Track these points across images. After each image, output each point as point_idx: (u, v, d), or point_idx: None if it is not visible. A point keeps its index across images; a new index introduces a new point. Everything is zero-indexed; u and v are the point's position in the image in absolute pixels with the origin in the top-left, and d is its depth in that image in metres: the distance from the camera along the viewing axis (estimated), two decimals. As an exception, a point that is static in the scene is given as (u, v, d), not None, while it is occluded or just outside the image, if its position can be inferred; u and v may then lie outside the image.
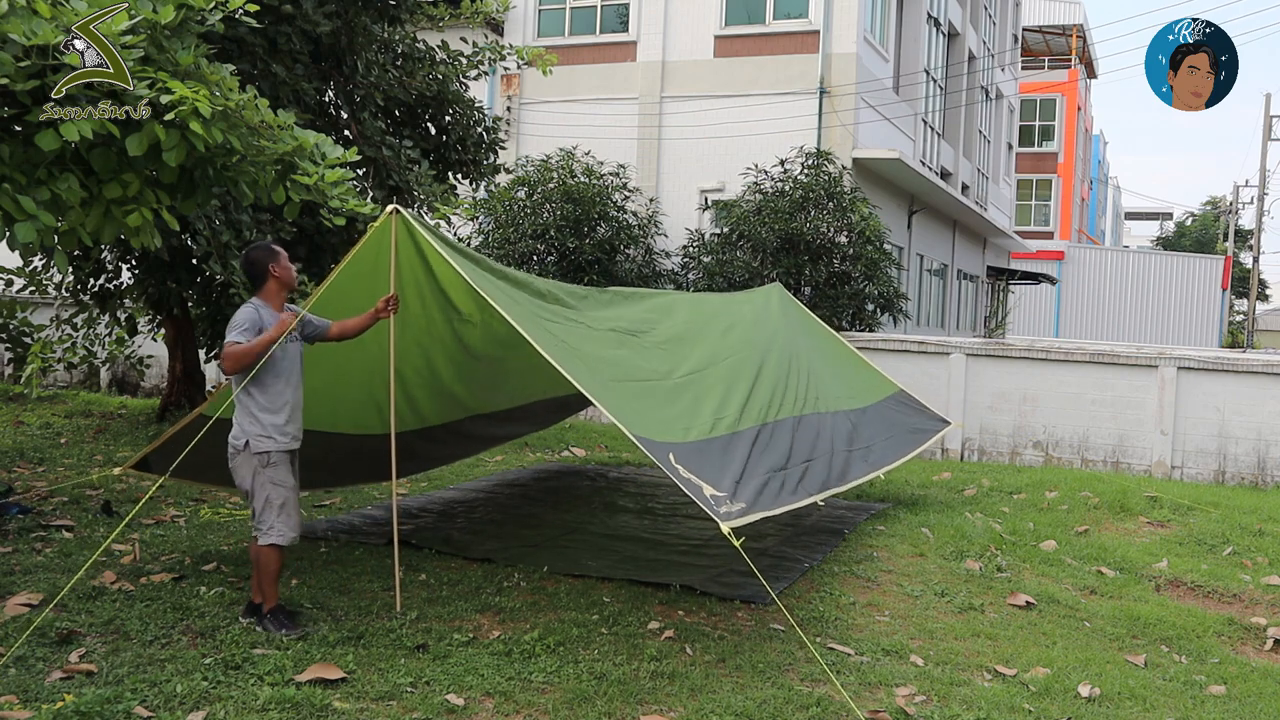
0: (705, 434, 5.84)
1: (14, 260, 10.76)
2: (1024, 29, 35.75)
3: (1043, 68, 40.30)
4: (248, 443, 5.07)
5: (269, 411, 5.10)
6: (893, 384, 9.39)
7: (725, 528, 4.73)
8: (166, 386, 12.08)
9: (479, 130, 10.98)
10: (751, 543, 6.96)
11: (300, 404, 5.28)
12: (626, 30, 18.20)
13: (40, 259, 10.07)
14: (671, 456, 5.23)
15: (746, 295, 8.87)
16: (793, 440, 6.48)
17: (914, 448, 8.61)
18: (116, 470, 6.21)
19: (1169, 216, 71.69)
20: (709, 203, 17.26)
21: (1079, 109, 41.75)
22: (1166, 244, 60.26)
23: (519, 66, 11.37)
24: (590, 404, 9.65)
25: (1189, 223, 62.94)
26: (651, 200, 17.36)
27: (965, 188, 24.28)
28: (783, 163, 15.62)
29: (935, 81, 21.86)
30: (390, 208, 5.52)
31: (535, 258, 15.72)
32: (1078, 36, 40.32)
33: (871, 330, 15.03)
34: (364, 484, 8.55)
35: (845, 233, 14.88)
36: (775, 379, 7.19)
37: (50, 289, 10.80)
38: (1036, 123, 40.05)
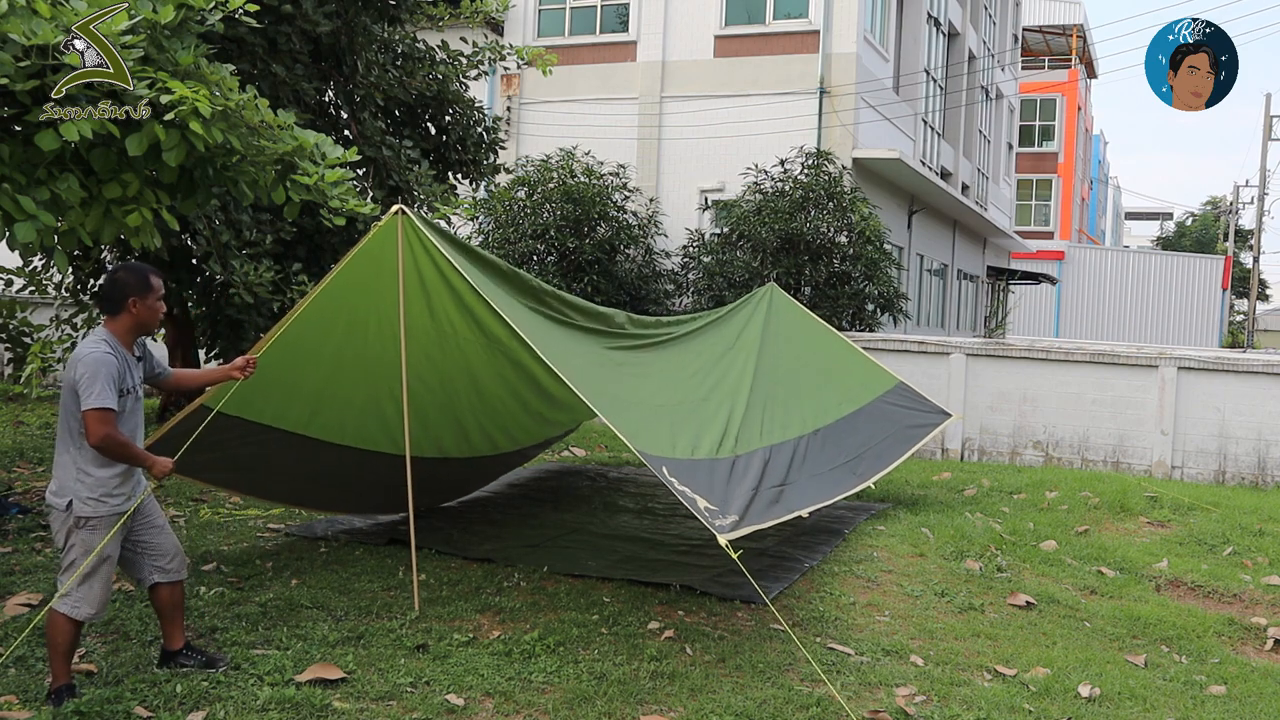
0: (687, 456, 5.88)
1: (14, 260, 10.75)
2: (1024, 29, 35.75)
3: (1043, 68, 40.31)
4: (70, 504, 4.24)
5: (102, 466, 4.26)
6: (892, 377, 9.31)
7: (723, 540, 4.75)
8: (166, 386, 12.05)
9: (479, 130, 10.97)
10: (751, 543, 6.94)
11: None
12: (626, 30, 18.19)
13: (40, 259, 10.05)
14: (665, 469, 5.27)
15: (735, 307, 8.70)
16: (767, 468, 6.43)
17: (911, 445, 8.59)
18: None
19: (1169, 216, 71.71)
20: (709, 203, 17.26)
21: (1079, 109, 41.75)
22: (1166, 244, 60.24)
23: (519, 66, 11.35)
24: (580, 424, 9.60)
25: (1189, 223, 62.91)
26: (651, 200, 17.36)
27: (965, 188, 24.28)
28: (783, 163, 15.62)
29: (935, 81, 21.86)
30: (395, 208, 5.47)
31: (535, 258, 15.72)
32: (1078, 36, 40.33)
33: (871, 330, 15.03)
34: (380, 515, 7.78)
35: (845, 233, 14.89)
36: (749, 411, 7.08)
37: (50, 289, 10.78)
38: (1036, 123, 40.06)
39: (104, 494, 4.28)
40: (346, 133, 9.50)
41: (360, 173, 9.14)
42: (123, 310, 4.34)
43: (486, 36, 12.73)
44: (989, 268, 28.65)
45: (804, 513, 6.52)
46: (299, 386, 6.19)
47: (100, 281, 4.47)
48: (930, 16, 20.83)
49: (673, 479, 5.19)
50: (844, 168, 15.56)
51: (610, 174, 16.51)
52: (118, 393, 4.23)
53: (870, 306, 15.11)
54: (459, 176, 11.17)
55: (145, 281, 4.37)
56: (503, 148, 11.70)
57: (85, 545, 4.28)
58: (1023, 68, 35.26)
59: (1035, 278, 30.82)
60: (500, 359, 6.87)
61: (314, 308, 5.60)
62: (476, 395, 7.29)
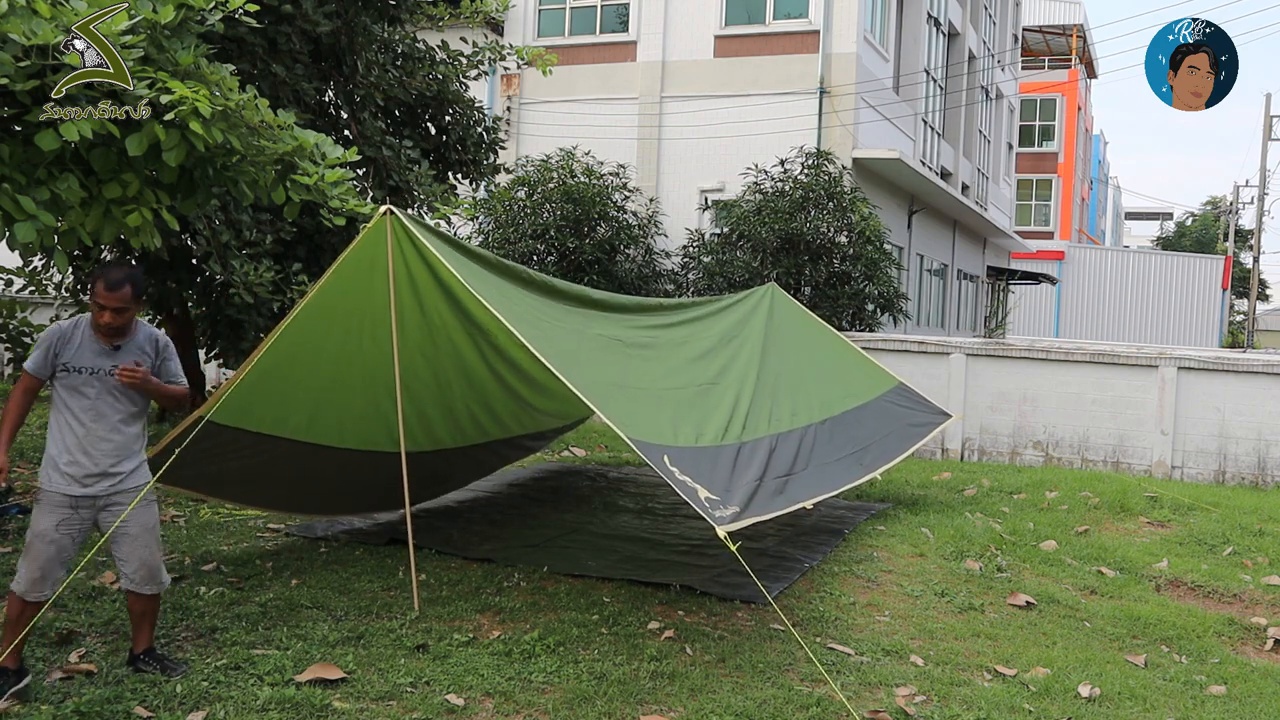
0: (691, 444, 5.83)
1: (14, 260, 10.75)
2: (1024, 29, 35.76)
3: (1043, 68, 40.31)
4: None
5: (52, 442, 4.38)
6: (892, 378, 9.34)
7: (721, 532, 4.72)
8: (166, 386, 12.04)
9: (479, 130, 10.97)
10: (751, 543, 6.95)
11: (104, 449, 4.38)
12: (626, 30, 18.20)
13: (40, 259, 10.06)
14: (666, 458, 5.23)
15: (738, 300, 8.69)
16: (773, 456, 6.37)
17: (914, 442, 8.59)
18: None
19: (1169, 216, 71.71)
20: (709, 203, 17.27)
21: (1079, 109, 41.76)
22: (1166, 244, 60.24)
23: (519, 66, 11.36)
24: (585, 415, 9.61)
25: (1189, 223, 62.92)
26: (651, 200, 17.36)
27: (965, 188, 24.28)
28: (783, 163, 15.62)
29: (935, 81, 21.86)
30: (384, 208, 5.41)
31: (535, 258, 15.72)
32: (1078, 36, 40.34)
33: (871, 330, 15.03)
34: (379, 513, 7.69)
35: (845, 233, 14.89)
36: (756, 397, 7.02)
37: (50, 289, 10.79)
38: (1036, 123, 40.06)
39: (49, 468, 4.37)
40: (346, 133, 9.51)
41: (360, 173, 9.14)
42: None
43: (486, 36, 12.73)
44: (989, 268, 28.65)
45: (808, 504, 6.49)
46: (297, 393, 6.16)
47: None
48: (930, 16, 20.83)
49: (673, 468, 5.14)
50: (844, 168, 15.57)
51: (610, 174, 16.51)
52: (63, 368, 4.36)
53: (870, 306, 15.11)
54: (459, 176, 11.18)
55: (95, 277, 4.41)
56: (503, 148, 11.70)
57: (35, 518, 4.36)
58: (1023, 68, 35.26)
59: (1035, 278, 30.82)
60: (486, 347, 6.89)
61: (309, 313, 5.58)
62: (465, 381, 7.29)
